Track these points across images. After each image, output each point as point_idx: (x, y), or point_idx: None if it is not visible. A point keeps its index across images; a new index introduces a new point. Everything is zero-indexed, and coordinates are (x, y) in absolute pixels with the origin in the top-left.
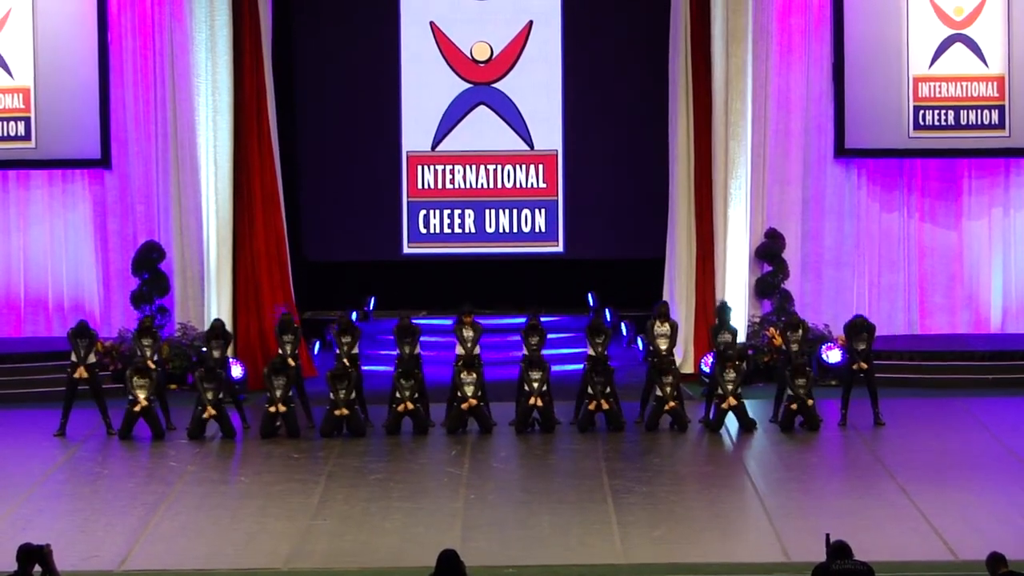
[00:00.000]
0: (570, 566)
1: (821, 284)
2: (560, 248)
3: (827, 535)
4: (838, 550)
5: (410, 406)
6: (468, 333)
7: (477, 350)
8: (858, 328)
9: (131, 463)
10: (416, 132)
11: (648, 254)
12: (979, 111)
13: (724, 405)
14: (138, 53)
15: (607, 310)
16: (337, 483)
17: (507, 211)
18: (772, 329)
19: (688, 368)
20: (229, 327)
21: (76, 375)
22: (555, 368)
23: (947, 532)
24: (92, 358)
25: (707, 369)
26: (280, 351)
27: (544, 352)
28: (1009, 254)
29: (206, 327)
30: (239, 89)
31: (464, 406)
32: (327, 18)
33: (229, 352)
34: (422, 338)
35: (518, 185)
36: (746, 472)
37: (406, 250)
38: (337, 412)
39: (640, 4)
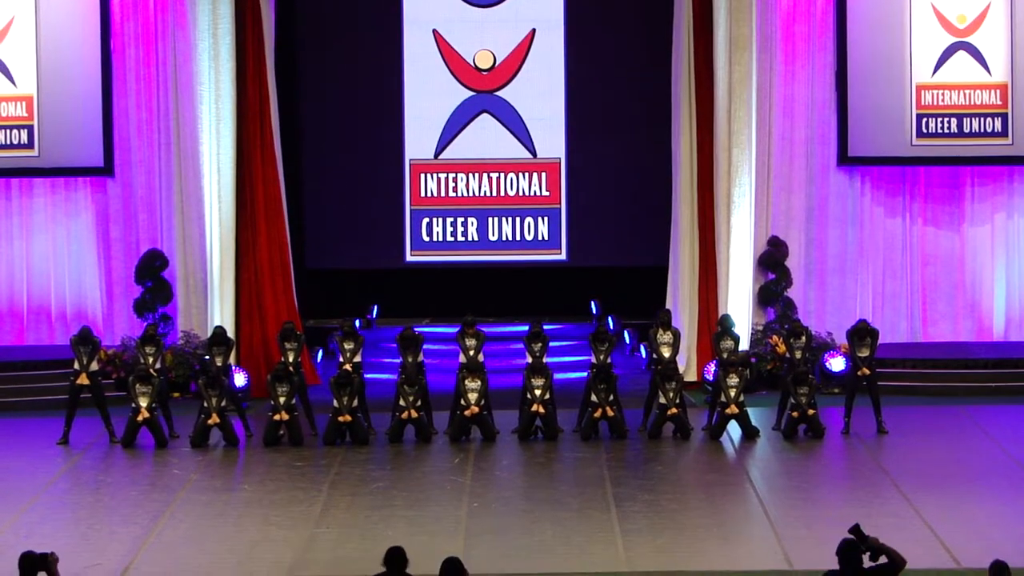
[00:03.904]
0: (573, 574)
1: (824, 292)
2: (563, 256)
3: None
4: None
5: (414, 414)
6: (471, 342)
7: (481, 357)
8: (862, 334)
9: (134, 471)
10: (419, 140)
11: (651, 262)
12: (982, 119)
13: (727, 412)
14: (141, 61)
15: (610, 318)
16: (340, 491)
17: (510, 219)
18: (775, 337)
19: (691, 376)
20: (232, 335)
21: (78, 382)
22: (558, 376)
23: (950, 540)
24: (95, 366)
25: (710, 377)
26: (283, 359)
27: (547, 360)
28: (1012, 262)
29: (209, 335)
30: (242, 97)
31: (467, 413)
32: (330, 26)
33: (232, 360)
34: (425, 346)
35: (521, 193)
36: (749, 480)
37: (409, 258)
38: (340, 418)
39: (642, 12)
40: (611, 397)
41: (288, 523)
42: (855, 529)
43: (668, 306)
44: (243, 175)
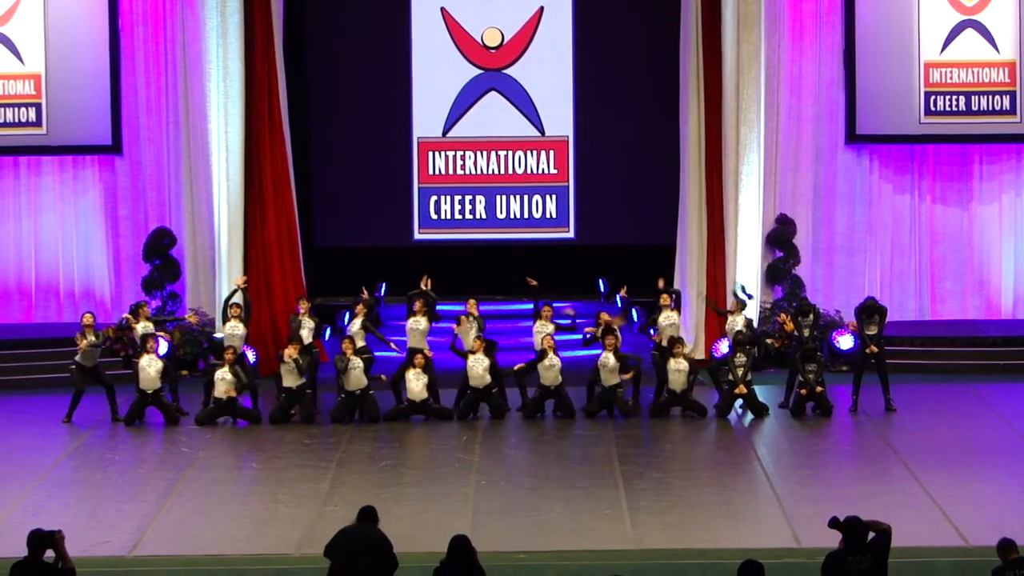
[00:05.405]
0: (581, 551)
1: (832, 270)
2: (571, 234)
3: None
4: (853, 533)
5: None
6: (469, 326)
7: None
8: (870, 311)
9: (142, 449)
10: (427, 118)
11: (659, 240)
12: (990, 97)
13: (734, 391)
14: (149, 39)
15: (618, 296)
16: (348, 469)
17: (518, 197)
18: (783, 315)
19: (699, 355)
20: None
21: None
22: (565, 354)
23: (958, 518)
24: (93, 360)
25: (718, 355)
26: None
27: (554, 338)
28: (1021, 240)
29: (217, 313)
30: (250, 75)
31: (470, 351)
32: (338, 4)
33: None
34: (434, 325)
35: (529, 171)
36: (757, 458)
37: (417, 236)
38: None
39: None
40: None
41: (296, 501)
42: (835, 522)
43: (676, 284)
44: (251, 153)
